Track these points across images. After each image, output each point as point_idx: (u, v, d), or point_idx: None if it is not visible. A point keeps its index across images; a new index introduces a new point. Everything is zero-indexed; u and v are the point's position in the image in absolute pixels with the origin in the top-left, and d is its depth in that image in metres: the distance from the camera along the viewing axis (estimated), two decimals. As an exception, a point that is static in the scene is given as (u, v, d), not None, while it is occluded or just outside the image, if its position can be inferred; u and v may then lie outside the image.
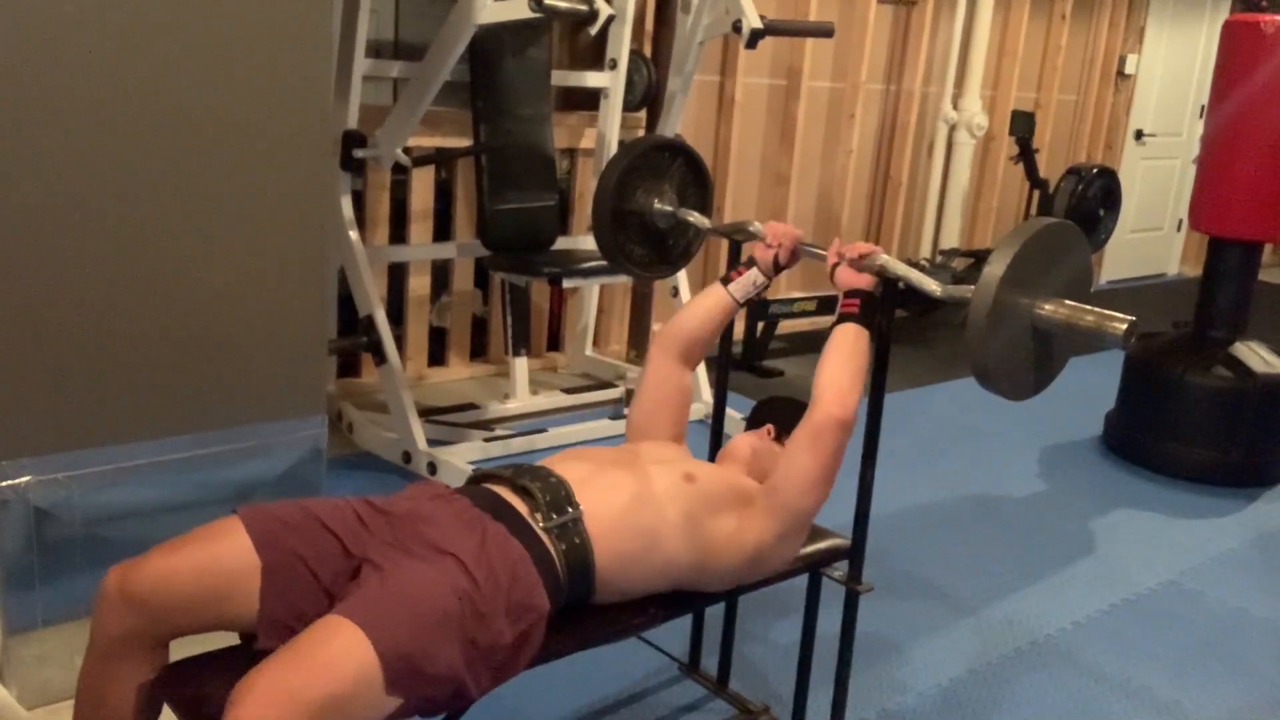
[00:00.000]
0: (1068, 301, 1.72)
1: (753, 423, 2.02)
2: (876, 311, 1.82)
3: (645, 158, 2.15)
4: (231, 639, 1.47)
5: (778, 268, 1.97)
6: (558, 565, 1.53)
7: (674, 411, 1.95)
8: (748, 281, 1.97)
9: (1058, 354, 1.83)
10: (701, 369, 3.87)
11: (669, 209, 2.17)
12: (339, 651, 1.24)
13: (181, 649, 1.45)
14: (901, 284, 1.84)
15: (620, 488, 1.65)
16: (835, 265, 1.86)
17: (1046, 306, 1.72)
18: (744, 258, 2.02)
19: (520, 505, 1.57)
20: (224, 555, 1.39)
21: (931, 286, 1.81)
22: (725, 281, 1.98)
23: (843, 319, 1.80)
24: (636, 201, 2.16)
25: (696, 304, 1.99)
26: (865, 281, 1.83)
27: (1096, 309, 1.70)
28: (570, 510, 1.58)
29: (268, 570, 1.39)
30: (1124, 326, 1.66)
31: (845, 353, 1.75)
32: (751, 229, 2.00)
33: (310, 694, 1.19)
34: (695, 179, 2.22)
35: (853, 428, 1.72)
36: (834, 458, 1.70)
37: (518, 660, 1.46)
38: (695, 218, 2.16)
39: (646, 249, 2.22)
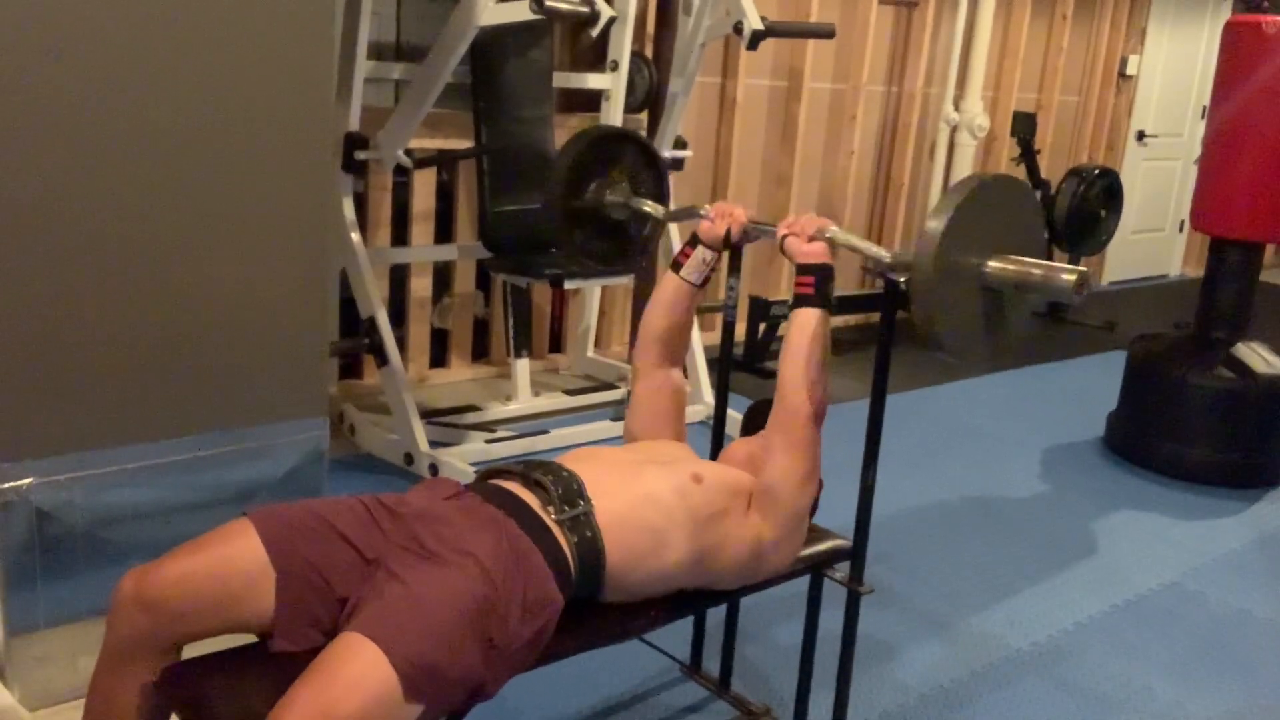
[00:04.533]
0: (1015, 257, 1.67)
1: (747, 427, 2.01)
2: (832, 284, 1.76)
3: (592, 151, 2.10)
4: (234, 640, 1.47)
5: (728, 243, 1.94)
6: (569, 558, 1.54)
7: (672, 416, 1.95)
8: (697, 260, 1.94)
9: (1011, 314, 1.77)
10: (703, 370, 3.88)
11: (621, 199, 2.13)
12: (362, 669, 1.26)
13: (187, 650, 1.45)
14: (873, 265, 1.80)
15: (630, 485, 1.65)
16: (785, 236, 1.82)
17: (993, 263, 1.67)
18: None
19: (532, 500, 1.58)
20: (237, 558, 1.40)
21: (881, 254, 1.76)
22: (676, 267, 1.96)
23: (798, 302, 1.75)
24: (589, 196, 2.10)
25: (656, 298, 1.97)
26: (816, 253, 1.77)
27: (1045, 262, 1.65)
28: (582, 504, 1.58)
29: (282, 579, 1.39)
30: (1073, 278, 1.61)
31: (805, 342, 1.71)
32: (701, 211, 1.98)
33: (342, 711, 1.23)
34: (647, 165, 2.17)
35: (824, 414, 1.71)
36: (812, 451, 1.70)
37: (532, 654, 1.47)
38: (649, 206, 2.12)
39: (605, 242, 2.15)
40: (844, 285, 5.36)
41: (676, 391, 1.97)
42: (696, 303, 1.98)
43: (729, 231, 1.93)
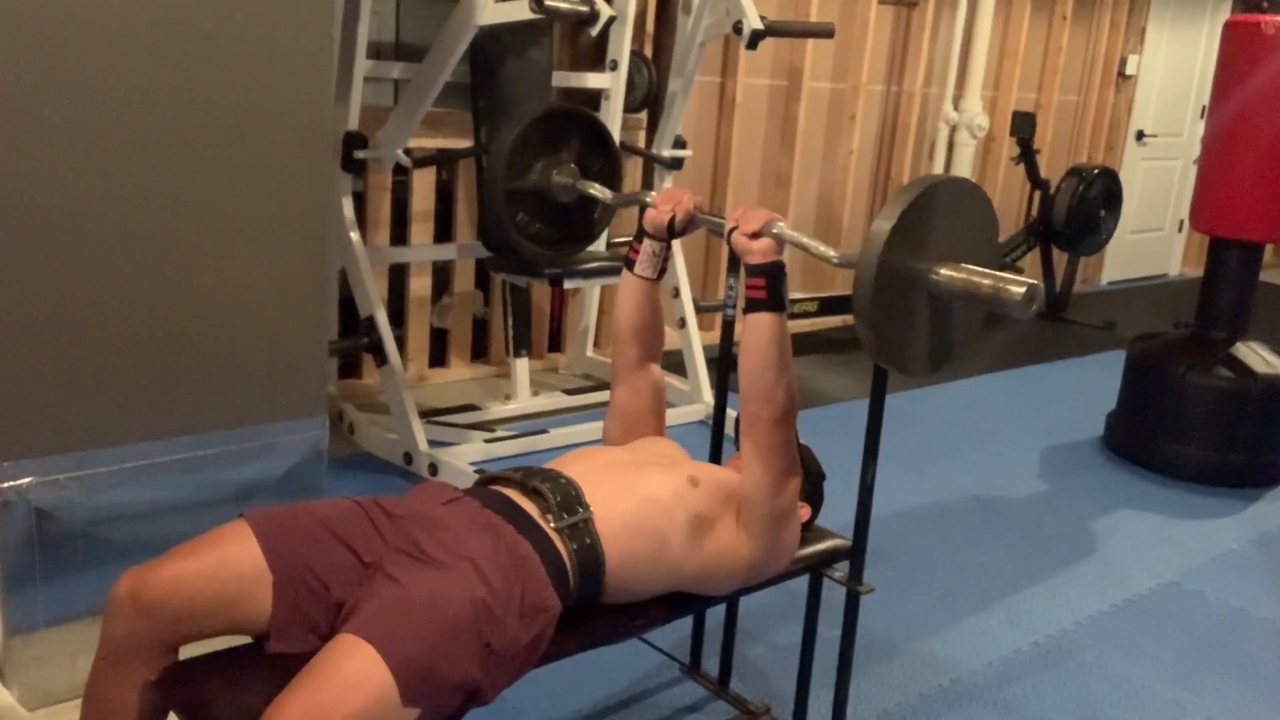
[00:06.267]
0: (966, 265, 1.59)
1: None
2: (785, 283, 1.70)
3: (538, 129, 2.02)
4: (233, 640, 1.47)
5: (672, 232, 1.89)
6: (568, 565, 1.54)
7: (652, 415, 1.94)
8: (647, 254, 1.90)
9: (959, 324, 1.69)
10: (702, 369, 3.88)
11: (568, 181, 2.07)
12: (358, 671, 1.26)
13: (184, 649, 1.45)
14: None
15: (629, 490, 1.65)
16: (733, 230, 1.75)
17: (942, 271, 1.59)
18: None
19: (531, 507, 1.58)
20: (234, 561, 1.39)
21: (828, 253, 1.70)
22: (629, 265, 1.92)
23: (751, 306, 1.68)
24: (533, 176, 2.03)
25: (620, 300, 1.94)
26: (765, 251, 1.69)
27: (995, 273, 1.58)
28: (581, 510, 1.58)
29: (279, 582, 1.39)
30: (1022, 290, 1.54)
31: (760, 351, 1.66)
32: (647, 199, 1.94)
33: (338, 712, 1.22)
34: (598, 147, 2.10)
35: (793, 413, 1.68)
36: (782, 454, 1.68)
37: (530, 660, 1.47)
38: (595, 189, 2.04)
39: (550, 226, 2.07)
40: (845, 284, 5.36)
41: (656, 390, 1.95)
42: (655, 293, 1.94)
43: (673, 220, 1.87)
